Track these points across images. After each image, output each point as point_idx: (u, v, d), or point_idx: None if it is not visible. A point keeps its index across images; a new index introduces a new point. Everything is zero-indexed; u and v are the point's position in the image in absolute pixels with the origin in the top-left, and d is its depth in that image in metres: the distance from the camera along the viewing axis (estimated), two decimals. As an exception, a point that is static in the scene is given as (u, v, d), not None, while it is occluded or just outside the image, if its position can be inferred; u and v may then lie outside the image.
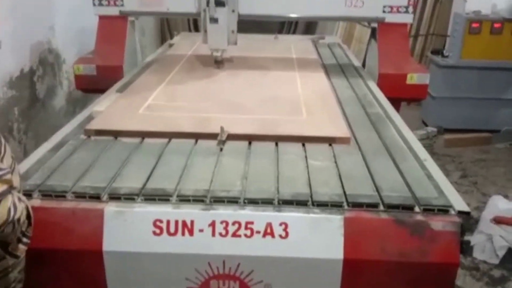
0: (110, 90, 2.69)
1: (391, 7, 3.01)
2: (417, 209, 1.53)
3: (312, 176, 1.70)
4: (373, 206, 1.53)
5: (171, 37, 5.11)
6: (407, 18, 3.06)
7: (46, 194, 1.56)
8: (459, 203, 1.57)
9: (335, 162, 1.83)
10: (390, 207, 1.52)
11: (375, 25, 3.23)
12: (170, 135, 2.00)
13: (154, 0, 3.01)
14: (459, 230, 1.49)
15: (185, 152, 1.87)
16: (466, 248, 1.50)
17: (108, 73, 2.99)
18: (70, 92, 3.87)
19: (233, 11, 2.88)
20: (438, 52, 5.04)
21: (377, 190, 1.61)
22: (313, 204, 1.53)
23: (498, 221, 3.18)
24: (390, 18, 3.03)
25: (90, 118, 2.22)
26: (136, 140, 1.98)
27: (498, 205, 3.34)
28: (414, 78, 3.03)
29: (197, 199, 1.54)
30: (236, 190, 1.58)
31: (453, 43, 4.85)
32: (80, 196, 1.56)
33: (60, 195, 1.56)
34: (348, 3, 2.99)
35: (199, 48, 3.66)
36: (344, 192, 1.58)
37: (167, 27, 6.24)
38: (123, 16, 3.12)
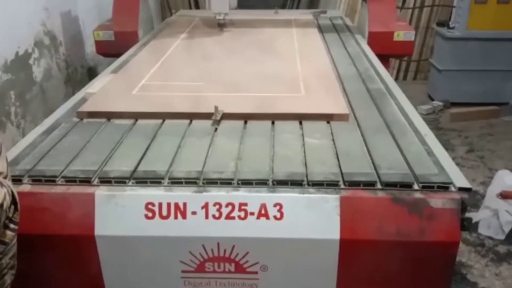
0: (105, 71, 2.64)
1: None
2: (415, 186, 1.48)
3: (308, 155, 1.65)
4: (370, 184, 1.48)
5: (171, 15, 5.03)
6: None
7: (36, 179, 1.53)
8: (460, 179, 1.51)
9: (333, 139, 1.78)
10: (387, 185, 1.48)
11: None
12: (164, 116, 1.96)
13: None
14: (460, 207, 1.43)
15: (179, 133, 1.83)
16: (468, 226, 1.45)
17: (124, 38, 3.31)
18: (69, 74, 3.83)
19: None
20: (443, 23, 4.90)
21: (375, 168, 1.56)
22: (308, 184, 1.49)
23: (504, 196, 3.12)
24: None
25: (83, 100, 2.18)
26: (129, 121, 1.94)
27: (505, 179, 3.26)
28: (401, 35, 3.34)
29: (190, 181, 1.50)
30: (230, 171, 1.54)
31: (459, 14, 4.70)
32: (70, 180, 1.53)
33: (50, 180, 1.53)
34: None
35: (197, 26, 3.60)
36: (341, 171, 1.54)
37: (166, 4, 6.13)
38: None
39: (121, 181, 1.51)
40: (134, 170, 1.56)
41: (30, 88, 3.24)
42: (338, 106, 2.01)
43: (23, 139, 1.84)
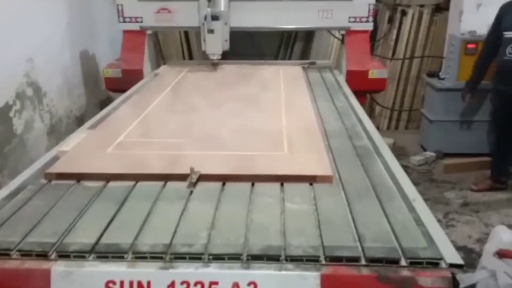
0: (83, 126, 2.55)
1: (355, 18, 3.82)
2: (403, 262, 1.35)
3: (288, 223, 1.52)
4: (353, 260, 1.35)
5: (164, 61, 5.05)
6: (368, 26, 3.87)
7: (-11, 252, 1.40)
8: (450, 254, 1.38)
9: (315, 204, 1.66)
10: (372, 260, 1.34)
11: (343, 32, 4.00)
12: (137, 177, 1.84)
13: (167, 17, 3.82)
14: (451, 286, 1.30)
15: (151, 197, 1.71)
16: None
17: (131, 75, 3.72)
18: (52, 125, 3.74)
19: (225, 23, 3.64)
20: (434, 74, 4.90)
21: (359, 240, 1.43)
22: (286, 259, 1.35)
23: (502, 254, 2.97)
24: (355, 26, 3.85)
25: (55, 159, 2.07)
26: (100, 184, 1.82)
27: (502, 236, 3.13)
28: (375, 73, 3.79)
29: (155, 256, 1.37)
30: (200, 244, 1.41)
31: (449, 65, 4.71)
32: (26, 254, 1.39)
33: (4, 253, 1.39)
34: (321, 15, 3.81)
35: (184, 78, 3.55)
36: (322, 243, 1.41)
37: (160, 52, 6.14)
38: (142, 30, 3.92)
39: (80, 255, 1.38)
40: (96, 243, 1.42)
41: (9, 141, 3.14)
42: (322, 166, 1.90)
43: (-18, 205, 1.71)
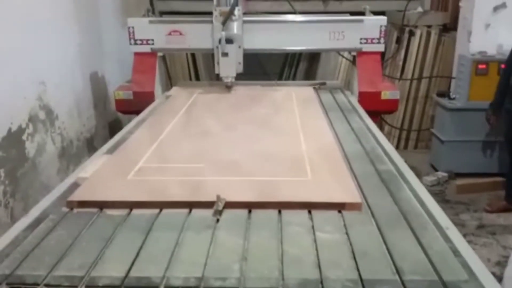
0: (100, 150, 2.52)
1: (367, 39, 3.83)
2: (445, 296, 1.31)
3: (321, 254, 1.48)
4: (394, 294, 1.30)
5: (171, 85, 5.03)
6: (379, 48, 3.87)
7: (15, 287, 1.35)
8: (492, 286, 1.34)
9: (346, 233, 1.62)
10: (414, 294, 1.30)
11: (354, 54, 3.96)
12: (161, 205, 1.80)
13: (178, 39, 3.83)
14: (497, 322, 1.25)
15: (177, 226, 1.67)
16: None
17: (142, 97, 3.73)
18: (64, 148, 3.71)
19: (239, 46, 3.65)
20: (444, 94, 4.89)
21: (397, 272, 1.39)
22: (324, 294, 1.31)
23: (523, 279, 2.91)
24: (366, 48, 3.84)
25: (75, 185, 2.03)
26: (123, 211, 1.78)
27: (522, 260, 3.07)
28: (387, 94, 3.79)
29: (188, 291, 1.32)
30: (234, 278, 1.36)
31: (459, 85, 4.70)
32: (53, 289, 1.35)
33: (31, 288, 1.35)
34: (332, 37, 3.81)
35: (196, 100, 3.53)
36: (360, 277, 1.36)
37: (167, 74, 6.15)
38: (154, 52, 3.91)
39: (110, 290, 1.33)
40: (126, 276, 1.38)
41: (22, 165, 3.10)
42: (349, 193, 1.86)
43: (4, 236, 1.66)
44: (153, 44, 3.85)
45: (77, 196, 1.86)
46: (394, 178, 2.11)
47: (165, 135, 2.65)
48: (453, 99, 4.74)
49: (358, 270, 1.40)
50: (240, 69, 3.71)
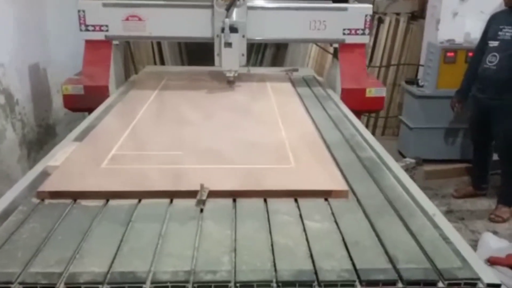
0: (68, 137, 2.38)
1: (350, 30, 3.45)
2: (440, 284, 1.29)
3: (313, 244, 1.43)
4: (390, 283, 1.27)
5: (136, 71, 4.83)
6: (364, 39, 3.51)
7: (-15, 287, 1.24)
8: (486, 273, 1.33)
9: (335, 222, 1.58)
10: (410, 283, 1.27)
11: (336, 45, 3.65)
12: (141, 195, 1.71)
13: (137, 25, 3.31)
14: (492, 308, 1.25)
15: (159, 217, 1.58)
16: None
17: (95, 92, 3.24)
18: (24, 135, 3.51)
19: (243, 36, 3.26)
20: (412, 82, 4.95)
21: (391, 261, 1.36)
22: (319, 285, 1.26)
23: (492, 262, 3.00)
24: (350, 39, 3.47)
25: (44, 174, 1.90)
26: (99, 202, 1.67)
27: (490, 244, 3.18)
28: (372, 91, 3.46)
29: (177, 285, 1.24)
30: (224, 271, 1.29)
31: (428, 73, 4.77)
32: (30, 287, 1.24)
33: (5, 287, 1.24)
34: (312, 26, 3.42)
35: (167, 85, 3.41)
36: (354, 267, 1.32)
37: (131, 59, 5.94)
38: (108, 41, 3.38)
39: (93, 286, 1.24)
40: (108, 271, 1.29)
41: (-20, 152, 2.91)
42: (335, 180, 1.83)
43: (-30, 229, 1.53)
44: (107, 30, 3.34)
45: (48, 186, 1.74)
46: (376, 165, 2.09)
47: (137, 122, 2.53)
48: (422, 86, 4.81)
49: (351, 259, 1.36)
50: (244, 61, 3.34)
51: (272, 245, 1.43)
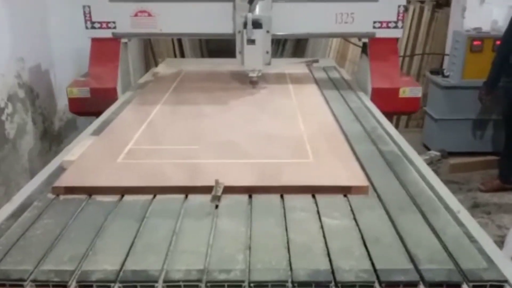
0: (85, 131, 2.37)
1: (381, 23, 3.14)
2: (465, 286, 1.22)
3: (330, 242, 1.38)
4: (412, 285, 1.21)
5: (156, 64, 4.83)
6: (397, 33, 3.18)
7: (-1, 284, 1.23)
8: (513, 275, 1.26)
9: (355, 219, 1.52)
10: (432, 285, 1.21)
11: (365, 40, 3.27)
12: (155, 190, 1.69)
13: (147, 21, 3.07)
14: (520, 312, 1.18)
15: (173, 212, 1.56)
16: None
17: (102, 95, 3.01)
18: (45, 129, 3.54)
19: (267, 31, 2.92)
20: (437, 72, 4.81)
21: (413, 261, 1.30)
22: (336, 286, 1.21)
23: (521, 258, 2.89)
24: (381, 33, 3.15)
25: (60, 169, 1.90)
26: (114, 198, 1.66)
27: (518, 239, 3.05)
28: (407, 91, 3.12)
29: (190, 284, 1.21)
30: (239, 269, 1.26)
31: (453, 62, 4.62)
32: (42, 285, 1.23)
33: (17, 284, 1.23)
34: (339, 19, 3.10)
35: (185, 79, 3.38)
36: (374, 267, 1.27)
37: (151, 52, 5.95)
38: (116, 38, 3.13)
39: (104, 285, 1.21)
40: (121, 269, 1.26)
41: (1, 147, 2.94)
42: (355, 176, 1.77)
43: (-15, 224, 1.53)
44: (115, 28, 3.09)
45: (63, 181, 1.73)
46: (398, 160, 2.02)
47: (154, 115, 2.52)
48: (447, 76, 4.67)
49: (370, 258, 1.31)
50: (268, 59, 3.00)
51: (288, 242, 1.39)
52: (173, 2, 3.07)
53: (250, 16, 2.79)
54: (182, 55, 5.88)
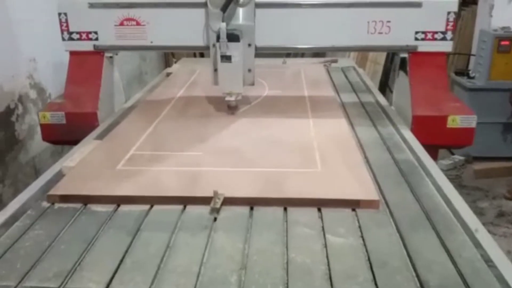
0: (89, 135, 2.32)
1: (425, 33, 2.50)
2: (479, 318, 1.10)
3: (333, 263, 1.28)
4: (419, 316, 1.10)
5: (174, 59, 4.78)
6: (446, 47, 2.53)
7: (-22, 301, 1.17)
8: (535, 306, 1.13)
9: (362, 237, 1.41)
10: (443, 316, 1.10)
11: (404, 55, 2.63)
12: (152, 200, 1.61)
13: (135, 32, 2.55)
14: None
15: (169, 225, 1.48)
16: None
17: (79, 121, 2.51)
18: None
19: (249, 45, 2.39)
20: (463, 73, 4.62)
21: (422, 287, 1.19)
22: (336, 315, 1.11)
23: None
24: (424, 46, 2.52)
25: (60, 175, 1.84)
26: (110, 207, 1.59)
27: (546, 253, 2.87)
28: (457, 120, 2.51)
29: (177, 308, 1.13)
30: (230, 292, 1.17)
31: (479, 63, 4.43)
32: (22, 302, 1.16)
33: (-3, 302, 1.17)
34: (371, 29, 2.49)
35: (198, 79, 3.31)
36: (378, 294, 1.16)
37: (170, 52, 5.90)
38: (99, 52, 2.64)
39: (87, 306, 1.14)
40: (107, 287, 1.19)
41: (11, 148, 2.92)
42: (365, 189, 1.65)
43: (-26, 236, 1.47)
44: (97, 39, 2.59)
45: (59, 189, 1.67)
46: (414, 170, 1.90)
47: (162, 119, 2.44)
48: (473, 78, 4.48)
49: (375, 284, 1.20)
50: (251, 79, 2.47)
51: (287, 263, 1.29)
52: (164, 9, 2.54)
53: (223, 26, 2.23)
54: (202, 54, 5.81)
